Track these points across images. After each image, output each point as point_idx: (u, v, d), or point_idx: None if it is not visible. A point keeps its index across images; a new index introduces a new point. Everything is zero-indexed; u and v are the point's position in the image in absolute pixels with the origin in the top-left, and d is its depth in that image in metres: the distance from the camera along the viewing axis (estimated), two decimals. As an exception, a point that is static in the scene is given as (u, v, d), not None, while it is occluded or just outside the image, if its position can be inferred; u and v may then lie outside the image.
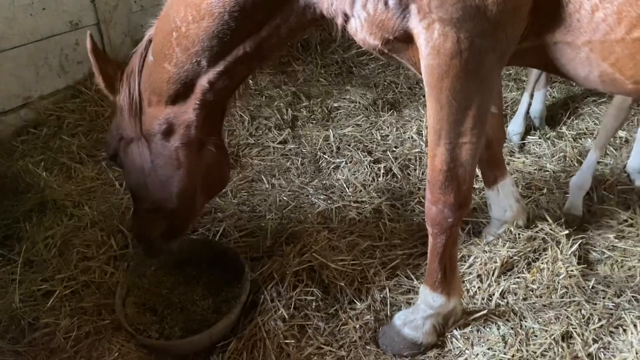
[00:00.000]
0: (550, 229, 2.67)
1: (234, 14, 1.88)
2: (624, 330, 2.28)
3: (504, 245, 2.62)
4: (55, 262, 2.71)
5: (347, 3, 1.75)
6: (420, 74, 1.79)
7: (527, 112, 3.71)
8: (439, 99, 1.76)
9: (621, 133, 3.57)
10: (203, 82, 2.08)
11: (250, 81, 4.27)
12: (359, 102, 4.09)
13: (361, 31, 1.79)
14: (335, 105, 4.13)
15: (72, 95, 3.95)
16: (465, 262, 2.63)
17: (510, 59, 1.82)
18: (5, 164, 3.34)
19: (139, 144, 2.27)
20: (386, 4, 1.67)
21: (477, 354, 2.24)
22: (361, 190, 3.22)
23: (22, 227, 2.90)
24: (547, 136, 3.67)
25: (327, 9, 1.84)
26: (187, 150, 2.23)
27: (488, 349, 2.25)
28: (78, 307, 2.51)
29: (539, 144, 3.61)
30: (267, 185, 3.34)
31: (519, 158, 3.48)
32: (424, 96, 4.20)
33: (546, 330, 2.29)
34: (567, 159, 3.43)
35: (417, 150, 3.54)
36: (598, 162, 3.31)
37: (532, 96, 3.69)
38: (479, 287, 2.51)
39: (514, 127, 3.66)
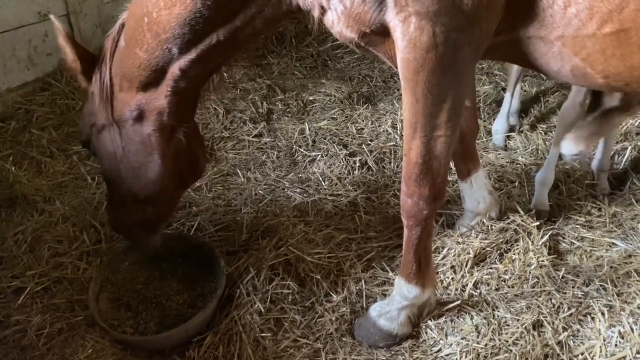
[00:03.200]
0: (522, 221, 2.73)
1: (207, 2, 1.86)
2: (592, 319, 2.34)
3: (476, 237, 2.67)
4: (25, 258, 2.66)
5: None
6: (397, 67, 1.80)
7: (509, 111, 3.68)
8: (415, 92, 1.78)
9: (590, 126, 3.65)
10: (174, 69, 2.05)
11: (225, 74, 4.25)
12: (334, 96, 4.10)
13: (338, 24, 1.79)
14: (311, 98, 4.13)
15: (41, 88, 3.87)
16: (439, 253, 2.66)
17: (485, 52, 1.84)
18: (-28, 159, 3.25)
19: (111, 130, 2.23)
20: None
21: (451, 344, 2.28)
22: (337, 184, 3.24)
23: (-9, 222, 2.84)
24: (520, 129, 3.73)
25: (303, 1, 1.83)
26: (159, 136, 2.20)
27: (462, 338, 2.29)
28: (50, 304, 2.47)
29: (512, 137, 3.67)
30: (242, 179, 3.33)
31: (492, 152, 3.54)
32: (398, 90, 4.24)
33: (518, 320, 2.34)
34: (539, 152, 3.49)
35: (392, 143, 3.56)
36: (567, 155, 3.37)
37: (513, 95, 3.67)
38: (452, 278, 2.55)
39: (499, 126, 3.63)
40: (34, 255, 2.68)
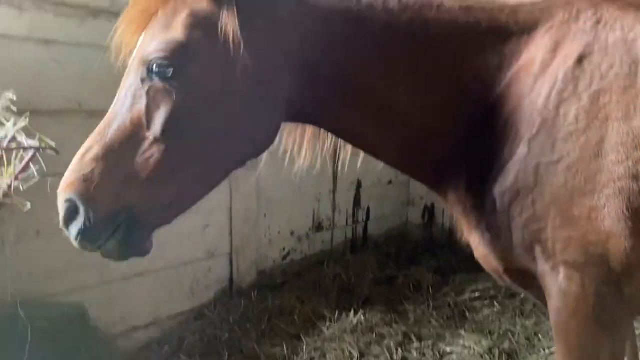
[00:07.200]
0: None
1: None
2: None
3: None
4: None
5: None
6: (546, 307, 1.78)
7: None
8: (567, 342, 1.70)
9: None
10: None
11: (362, 317, 4.34)
12: (474, 349, 3.92)
13: (485, 247, 1.89)
14: (448, 349, 3.98)
15: (195, 318, 4.23)
16: None
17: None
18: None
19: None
20: None
21: None
22: None
23: None
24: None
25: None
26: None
27: None
28: None
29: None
30: None
31: None
32: (544, 349, 3.96)
33: None
34: None
35: (540, 407, 3.21)
36: None
37: None
38: None
39: None
40: None
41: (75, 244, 1.69)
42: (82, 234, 1.66)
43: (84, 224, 1.64)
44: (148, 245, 1.79)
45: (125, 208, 1.68)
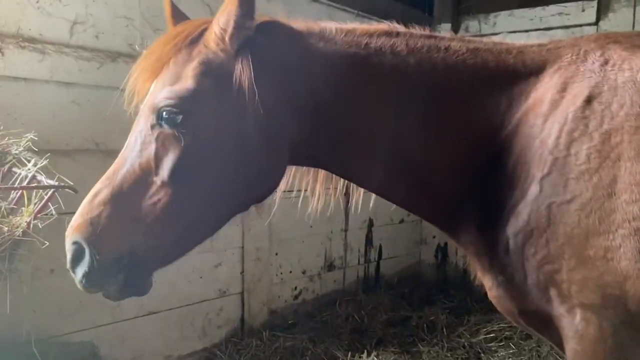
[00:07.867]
0: None
1: None
2: None
3: None
4: None
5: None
6: (563, 351, 1.74)
7: None
8: (585, 386, 1.67)
9: None
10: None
11: (375, 358, 4.27)
12: (490, 392, 3.83)
13: (497, 289, 1.87)
14: (463, 392, 3.90)
15: (206, 357, 4.18)
16: None
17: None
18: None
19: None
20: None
21: None
22: None
23: None
24: None
25: None
26: None
27: None
28: None
29: None
30: None
31: None
32: (563, 392, 3.85)
33: None
34: None
35: None
36: None
37: None
38: None
39: None
40: None
41: (80, 286, 1.72)
42: (87, 276, 1.68)
43: (89, 266, 1.67)
44: (147, 286, 1.81)
45: (129, 252, 1.70)
